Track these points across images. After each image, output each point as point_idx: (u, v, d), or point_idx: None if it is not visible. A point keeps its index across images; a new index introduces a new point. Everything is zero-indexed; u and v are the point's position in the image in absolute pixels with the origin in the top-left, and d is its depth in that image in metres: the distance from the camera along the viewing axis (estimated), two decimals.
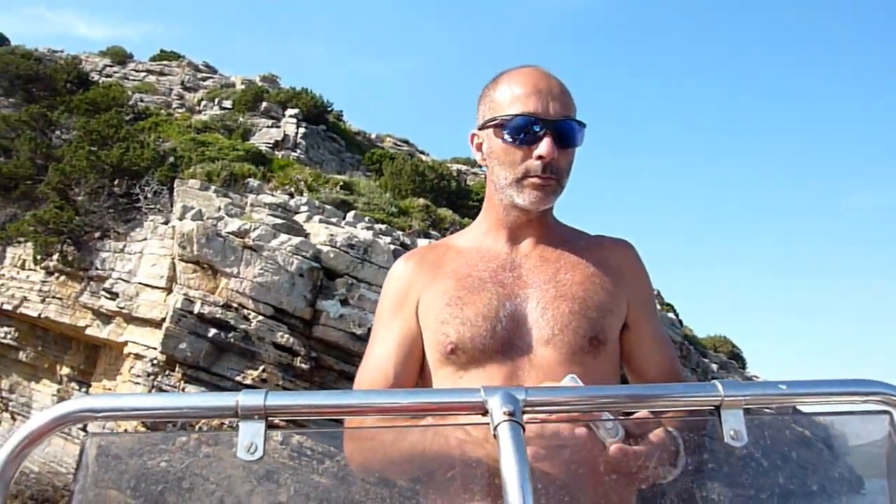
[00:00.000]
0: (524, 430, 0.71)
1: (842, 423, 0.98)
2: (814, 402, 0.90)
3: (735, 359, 23.03)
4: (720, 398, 0.82)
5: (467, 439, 1.02)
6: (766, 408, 0.91)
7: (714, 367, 18.67)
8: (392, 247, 12.78)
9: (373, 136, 23.94)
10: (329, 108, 21.74)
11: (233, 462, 0.67)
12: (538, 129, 1.31)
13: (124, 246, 13.64)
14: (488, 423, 0.72)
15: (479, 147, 1.42)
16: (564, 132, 1.32)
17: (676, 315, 19.99)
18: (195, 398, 0.72)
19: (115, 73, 22.79)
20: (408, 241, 13.87)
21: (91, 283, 13.52)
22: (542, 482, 0.89)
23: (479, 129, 1.41)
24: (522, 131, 1.31)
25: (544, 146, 1.29)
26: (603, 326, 1.30)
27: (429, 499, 1.12)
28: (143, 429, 7.64)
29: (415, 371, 1.36)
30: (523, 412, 0.73)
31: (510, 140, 1.33)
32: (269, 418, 0.69)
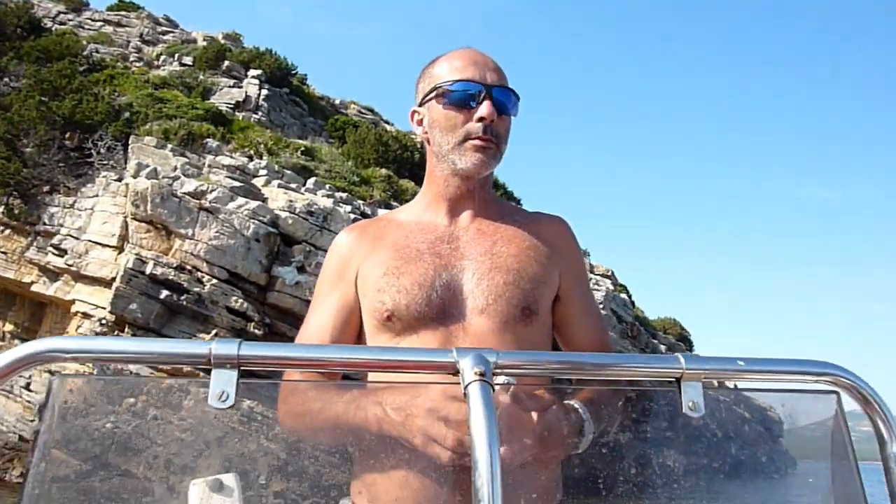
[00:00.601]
0: (494, 390, 0.73)
1: (793, 401, 1.03)
2: (768, 380, 0.93)
3: (683, 341, 23.70)
4: (681, 370, 0.85)
5: (385, 418, 1.07)
6: (723, 382, 0.94)
7: (663, 348, 19.19)
8: (352, 216, 12.70)
9: (337, 101, 23.59)
10: (293, 71, 21.32)
11: (200, 410, 0.67)
12: (478, 93, 1.37)
13: (74, 202, 13.24)
14: (459, 383, 0.74)
15: (420, 122, 1.47)
16: (502, 99, 1.39)
17: (629, 296, 20.40)
18: (169, 344, 0.71)
19: (69, 20, 21.84)
20: (368, 210, 13.80)
21: (38, 238, 13.12)
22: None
23: (420, 105, 1.47)
24: (463, 95, 1.37)
25: (485, 108, 1.35)
26: (535, 297, 1.35)
27: (362, 465, 1.17)
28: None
29: (351, 340, 1.40)
30: (493, 374, 0.74)
31: (451, 104, 1.38)
32: (242, 367, 0.69)
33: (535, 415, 1.03)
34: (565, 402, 1.12)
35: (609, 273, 19.69)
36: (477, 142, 1.36)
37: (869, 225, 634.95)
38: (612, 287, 18.43)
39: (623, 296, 19.39)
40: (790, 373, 0.92)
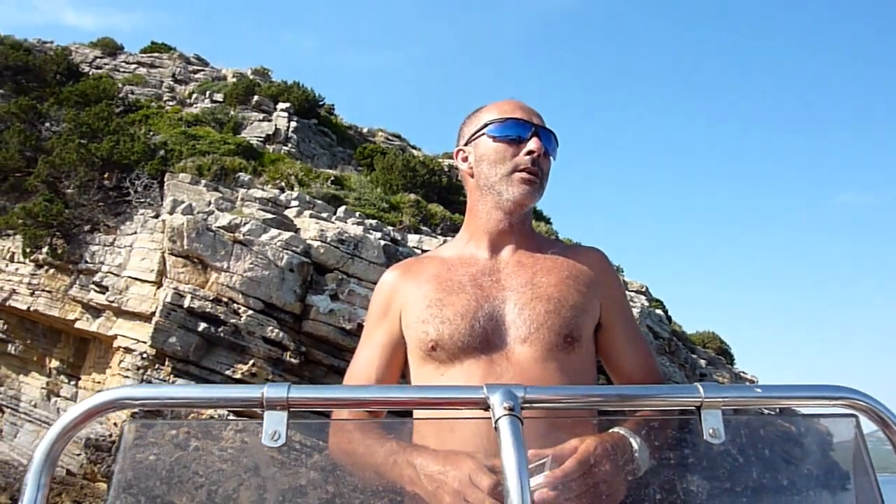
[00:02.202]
0: (522, 424, 0.78)
1: (812, 425, 1.06)
2: (787, 405, 0.97)
3: (723, 355, 23.16)
4: (701, 399, 0.89)
5: (417, 482, 1.11)
6: (743, 409, 0.98)
7: (702, 363, 18.80)
8: (382, 242, 12.83)
9: (364, 130, 23.93)
10: (321, 102, 21.72)
11: (257, 450, 0.74)
12: (528, 129, 1.47)
13: (114, 239, 13.61)
14: (490, 418, 0.80)
15: (465, 159, 1.55)
16: (545, 141, 1.48)
17: (665, 311, 20.07)
18: (225, 389, 0.78)
19: (105, 64, 22.62)
20: (398, 236, 13.92)
21: (80, 276, 13.48)
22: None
23: (466, 143, 1.55)
24: (514, 131, 1.47)
25: (534, 142, 1.45)
26: (577, 324, 1.38)
27: None
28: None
29: (396, 374, 1.47)
30: (522, 408, 0.80)
31: (502, 139, 1.47)
32: (292, 409, 0.76)
33: (576, 457, 1.07)
34: (611, 430, 1.14)
35: (643, 289, 19.45)
36: (524, 174, 1.44)
37: None
38: (646, 303, 18.21)
39: (658, 311, 19.11)
40: (808, 398, 0.96)
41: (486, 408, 0.81)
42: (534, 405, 0.82)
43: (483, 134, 1.50)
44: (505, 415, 0.78)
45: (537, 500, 1.01)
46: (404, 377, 1.50)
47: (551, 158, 1.50)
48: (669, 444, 0.95)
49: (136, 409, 0.76)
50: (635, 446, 1.11)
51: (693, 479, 0.93)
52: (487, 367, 1.33)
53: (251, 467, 0.83)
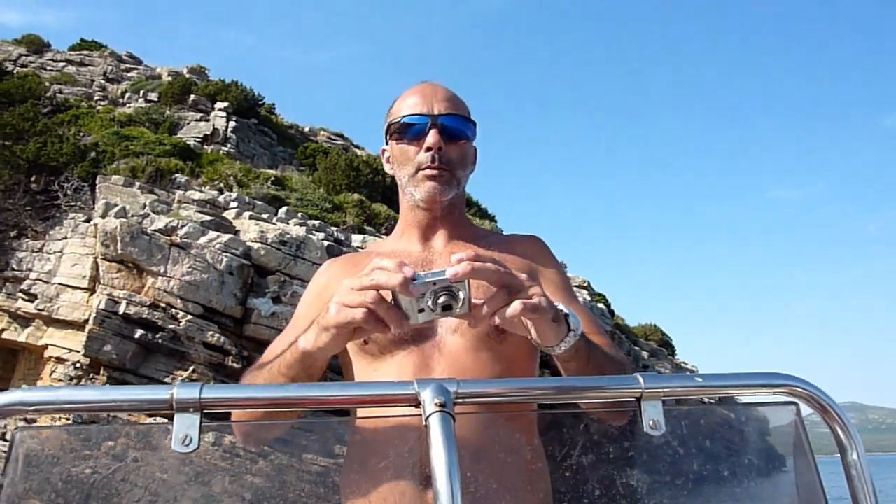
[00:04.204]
0: (455, 420, 0.73)
1: (753, 413, 1.05)
2: (727, 394, 0.95)
3: (665, 346, 23.82)
4: (641, 390, 0.86)
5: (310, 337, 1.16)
6: (684, 399, 0.96)
7: (645, 354, 19.27)
8: (326, 243, 12.65)
9: (306, 129, 23.58)
10: (261, 101, 21.30)
11: (166, 455, 0.67)
12: (424, 124, 1.42)
13: (43, 245, 13.02)
14: (420, 415, 0.75)
15: (388, 160, 1.54)
16: (450, 126, 1.44)
17: (608, 305, 20.48)
18: (130, 391, 0.71)
19: (31, 62, 21.63)
20: (342, 236, 13.75)
21: (7, 284, 12.85)
22: (470, 471, 0.91)
23: (386, 143, 1.53)
24: (411, 129, 1.43)
25: (430, 137, 1.41)
26: None
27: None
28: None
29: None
30: (454, 403, 0.75)
31: (403, 139, 1.45)
32: (205, 411, 0.70)
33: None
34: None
35: (586, 283, 19.79)
36: (427, 171, 1.41)
37: (832, 219, 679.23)
38: (588, 297, 18.51)
39: (601, 305, 19.47)
40: (748, 386, 0.94)
41: (418, 404, 0.76)
42: (468, 400, 0.78)
43: (389, 136, 1.49)
44: (436, 411, 0.73)
45: (449, 275, 1.01)
46: (339, 374, 1.46)
47: (463, 142, 1.46)
48: (608, 436, 0.92)
49: (30, 415, 0.68)
50: (563, 308, 1.11)
51: (633, 473, 0.90)
52: (419, 360, 1.31)
53: (160, 475, 0.75)
